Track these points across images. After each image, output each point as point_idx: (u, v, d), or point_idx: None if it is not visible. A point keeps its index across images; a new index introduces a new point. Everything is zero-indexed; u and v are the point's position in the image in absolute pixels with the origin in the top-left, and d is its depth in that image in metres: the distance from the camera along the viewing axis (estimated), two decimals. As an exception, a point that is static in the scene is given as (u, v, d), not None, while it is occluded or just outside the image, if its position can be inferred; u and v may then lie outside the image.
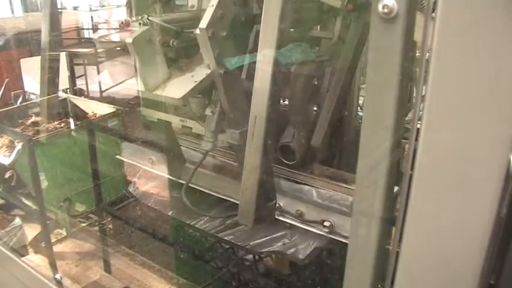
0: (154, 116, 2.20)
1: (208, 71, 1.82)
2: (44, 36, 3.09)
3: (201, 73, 1.86)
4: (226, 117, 1.93)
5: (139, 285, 2.71)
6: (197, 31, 1.73)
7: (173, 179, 2.33)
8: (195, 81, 1.84)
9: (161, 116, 2.16)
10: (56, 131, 3.15)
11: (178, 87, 1.86)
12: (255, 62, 1.75)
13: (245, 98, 1.89)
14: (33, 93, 3.50)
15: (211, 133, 1.95)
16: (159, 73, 1.93)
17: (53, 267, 2.69)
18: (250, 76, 1.83)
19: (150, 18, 1.87)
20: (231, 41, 1.82)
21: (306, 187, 1.97)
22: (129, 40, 1.83)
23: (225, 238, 2.22)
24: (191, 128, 2.05)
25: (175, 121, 2.11)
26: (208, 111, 1.95)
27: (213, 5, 1.72)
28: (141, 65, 1.87)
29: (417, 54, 0.83)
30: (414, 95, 0.97)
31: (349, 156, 2.29)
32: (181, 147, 2.40)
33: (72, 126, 3.12)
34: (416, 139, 0.79)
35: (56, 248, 3.04)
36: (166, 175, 2.40)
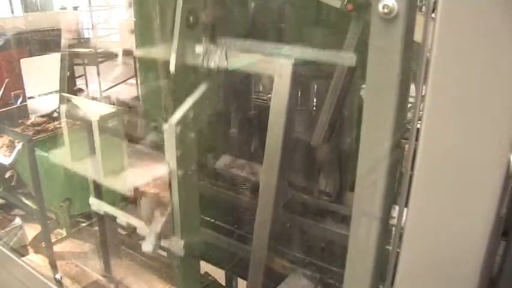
0: (101, 208, 2.12)
1: (167, 170, 1.75)
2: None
3: (159, 170, 1.79)
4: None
5: (139, 286, 2.71)
6: (165, 126, 1.69)
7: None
8: (151, 176, 1.79)
9: (108, 209, 2.08)
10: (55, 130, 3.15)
11: (132, 178, 1.80)
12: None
13: (198, 206, 1.85)
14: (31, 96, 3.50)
15: (154, 235, 1.83)
16: (118, 160, 1.86)
17: (53, 267, 2.69)
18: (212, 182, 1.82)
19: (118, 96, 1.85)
20: (197, 145, 1.78)
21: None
22: (94, 118, 1.75)
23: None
24: (135, 228, 1.94)
25: (121, 217, 2.01)
26: (156, 212, 1.84)
27: (187, 105, 1.70)
28: (101, 147, 1.79)
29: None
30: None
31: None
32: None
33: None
34: (416, 139, 0.79)
35: (56, 248, 3.04)
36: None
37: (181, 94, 1.76)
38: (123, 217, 1.99)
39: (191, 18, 1.69)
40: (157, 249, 1.86)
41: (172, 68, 1.73)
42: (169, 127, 1.67)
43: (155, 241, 1.82)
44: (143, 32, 1.84)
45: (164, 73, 1.89)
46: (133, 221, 1.92)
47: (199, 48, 1.70)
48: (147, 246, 1.83)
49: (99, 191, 2.15)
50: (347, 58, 1.55)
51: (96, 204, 2.17)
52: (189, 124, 1.71)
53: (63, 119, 1.92)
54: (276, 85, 1.59)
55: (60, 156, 2.08)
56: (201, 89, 1.75)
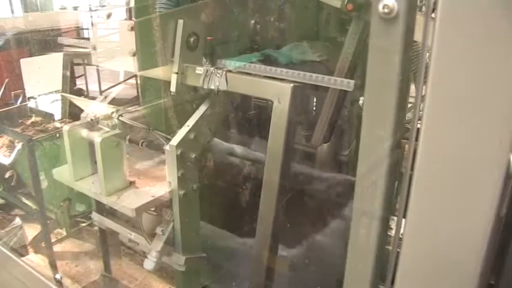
0: (104, 224, 2.17)
1: (168, 189, 1.78)
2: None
3: (160, 189, 1.83)
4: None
5: (139, 285, 2.71)
6: (166, 147, 1.72)
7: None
8: (152, 196, 1.80)
9: (111, 225, 2.13)
10: (55, 130, 3.15)
11: (134, 198, 1.82)
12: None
13: (199, 225, 1.88)
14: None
15: (156, 253, 1.86)
16: (120, 180, 1.88)
17: (53, 267, 2.69)
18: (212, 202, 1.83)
19: (120, 118, 1.84)
20: (198, 166, 1.81)
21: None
22: (97, 140, 1.78)
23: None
24: (137, 243, 1.98)
25: (124, 233, 2.05)
26: (158, 230, 1.88)
27: (188, 126, 1.73)
28: (104, 167, 1.82)
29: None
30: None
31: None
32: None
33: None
34: (416, 139, 0.79)
35: (56, 248, 3.04)
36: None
37: (182, 114, 1.80)
38: (125, 233, 2.03)
39: (191, 40, 1.71)
40: (158, 267, 1.90)
41: (173, 88, 1.75)
42: (170, 148, 1.69)
43: (156, 259, 1.85)
44: (145, 54, 1.85)
45: (166, 94, 1.91)
46: (136, 237, 1.96)
47: (199, 70, 1.72)
48: (148, 265, 1.86)
49: (101, 206, 2.19)
50: (345, 83, 1.56)
51: (98, 220, 2.21)
52: (190, 144, 1.74)
53: (66, 140, 1.94)
54: (275, 109, 1.60)
55: (63, 174, 2.11)
56: (202, 109, 1.77)
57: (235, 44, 1.91)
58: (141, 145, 1.86)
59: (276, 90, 1.58)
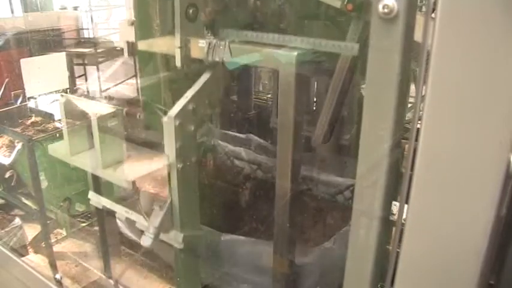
0: (100, 202, 2.09)
1: (166, 163, 1.72)
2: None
3: (158, 163, 1.77)
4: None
5: (139, 286, 2.71)
6: (164, 118, 1.67)
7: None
8: (149, 169, 1.76)
9: (107, 204, 2.06)
10: (55, 130, 3.15)
11: (130, 171, 1.78)
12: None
13: (198, 201, 1.81)
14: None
15: (153, 228, 1.79)
16: (116, 153, 1.85)
17: (53, 267, 2.69)
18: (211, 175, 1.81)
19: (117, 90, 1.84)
20: (196, 138, 1.76)
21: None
22: (94, 117, 1.76)
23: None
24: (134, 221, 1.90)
25: (120, 211, 1.98)
26: (156, 205, 1.81)
27: (187, 97, 1.68)
28: (100, 139, 1.79)
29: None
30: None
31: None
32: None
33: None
34: (416, 139, 0.79)
35: (56, 248, 3.04)
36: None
37: (185, 88, 1.74)
38: (122, 211, 1.96)
39: (191, 11, 1.67)
40: (155, 243, 1.81)
41: (178, 63, 1.71)
42: (169, 119, 1.64)
43: (154, 235, 1.78)
44: (143, 25, 1.83)
45: (164, 66, 1.88)
46: (133, 215, 1.89)
47: (202, 43, 1.68)
48: (145, 241, 1.80)
49: (98, 185, 2.13)
50: (349, 48, 1.53)
51: (95, 199, 2.14)
52: (189, 116, 1.69)
53: (62, 114, 1.91)
54: (281, 78, 1.57)
55: (59, 150, 2.06)
56: (202, 80, 1.72)
57: (235, 18, 1.87)
58: (139, 117, 1.83)
59: (281, 59, 1.55)
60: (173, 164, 1.70)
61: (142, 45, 1.91)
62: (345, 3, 1.91)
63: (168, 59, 1.85)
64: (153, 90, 1.96)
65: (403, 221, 0.87)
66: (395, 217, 0.92)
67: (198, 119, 1.73)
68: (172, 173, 1.72)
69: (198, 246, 1.99)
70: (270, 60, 1.61)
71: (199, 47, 1.70)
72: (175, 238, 1.82)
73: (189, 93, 1.69)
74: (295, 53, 1.53)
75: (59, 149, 2.08)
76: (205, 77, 1.73)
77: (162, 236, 1.83)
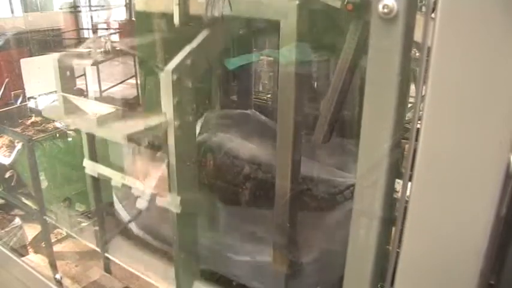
0: (95, 170, 2.00)
1: (162, 120, 1.64)
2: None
3: (154, 120, 1.68)
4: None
5: (139, 285, 2.70)
6: (161, 73, 1.60)
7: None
8: (145, 126, 1.66)
9: (103, 171, 1.97)
10: (55, 130, 3.15)
11: (126, 127, 1.69)
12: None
13: (196, 163, 1.72)
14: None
15: (149, 191, 1.72)
16: (112, 109, 1.77)
17: (53, 267, 2.69)
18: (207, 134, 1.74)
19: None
20: (195, 94, 1.68)
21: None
22: (88, 63, 1.73)
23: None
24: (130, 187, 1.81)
25: (116, 178, 1.89)
26: (151, 168, 1.72)
27: (185, 51, 1.61)
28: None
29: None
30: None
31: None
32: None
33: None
34: (416, 139, 0.79)
35: (56, 248, 3.04)
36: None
37: (183, 46, 1.67)
38: (118, 177, 1.87)
39: None
40: (151, 206, 1.73)
41: (176, 20, 1.65)
42: (166, 74, 1.57)
43: (150, 197, 1.71)
44: None
45: (162, 25, 1.83)
46: (129, 181, 1.80)
47: None
48: (141, 204, 1.73)
49: (94, 153, 2.06)
50: None
51: (90, 166, 2.05)
52: (187, 71, 1.61)
53: (56, 70, 1.86)
54: (282, 29, 1.53)
55: (53, 110, 1.99)
56: (201, 36, 1.66)
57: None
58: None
59: (282, 9, 1.51)
60: (170, 121, 1.61)
61: (140, 5, 1.87)
62: (345, 3, 1.91)
63: (166, 18, 1.77)
64: (150, 48, 1.90)
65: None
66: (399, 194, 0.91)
67: (196, 74, 1.64)
68: (170, 130, 1.62)
69: (196, 212, 1.87)
70: (271, 10, 1.55)
71: (198, 2, 1.63)
72: (172, 201, 1.70)
73: (188, 48, 1.62)
74: (297, 2, 1.48)
75: (53, 109, 1.99)
76: (204, 33, 1.66)
77: (159, 201, 1.72)
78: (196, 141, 1.76)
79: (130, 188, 1.84)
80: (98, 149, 2.06)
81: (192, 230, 1.87)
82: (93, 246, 2.47)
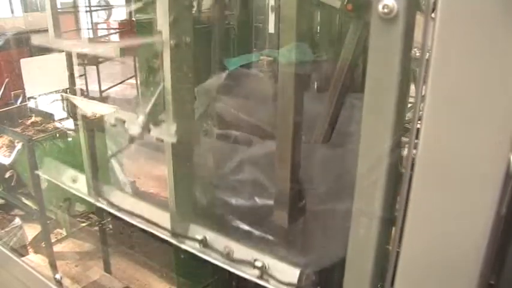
0: (86, 109, 1.87)
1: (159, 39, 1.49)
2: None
3: (149, 39, 1.54)
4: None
5: (139, 285, 2.71)
6: None
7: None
8: (139, 42, 1.57)
9: (94, 108, 1.85)
10: (55, 130, 3.15)
11: (119, 42, 1.62)
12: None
13: (193, 88, 1.61)
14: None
15: (142, 116, 1.56)
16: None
17: (53, 267, 2.69)
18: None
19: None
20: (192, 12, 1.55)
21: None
22: None
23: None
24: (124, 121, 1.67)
25: (108, 111, 1.74)
26: (146, 92, 1.58)
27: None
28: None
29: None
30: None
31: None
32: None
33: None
34: (416, 139, 0.79)
35: (56, 248, 3.04)
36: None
37: None
38: (110, 110, 1.76)
39: None
40: (145, 133, 1.60)
41: None
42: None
43: (143, 123, 1.58)
44: None
45: None
46: (122, 114, 1.69)
47: None
48: (134, 130, 1.61)
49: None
50: None
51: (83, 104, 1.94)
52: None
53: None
54: None
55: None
56: None
57: None
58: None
59: None
60: (166, 40, 1.48)
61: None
62: (345, 3, 1.91)
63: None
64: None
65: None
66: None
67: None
68: (165, 51, 1.49)
69: (192, 142, 1.75)
70: None
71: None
72: (167, 130, 1.58)
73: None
74: None
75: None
76: None
77: (153, 131, 1.61)
78: (193, 64, 1.58)
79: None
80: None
81: (188, 165, 1.74)
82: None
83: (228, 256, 1.52)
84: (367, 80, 0.87)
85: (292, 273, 1.39)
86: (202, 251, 1.60)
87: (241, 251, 1.51)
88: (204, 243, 1.60)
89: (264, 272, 1.44)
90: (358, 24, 1.98)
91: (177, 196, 1.69)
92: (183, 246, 1.66)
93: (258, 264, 1.44)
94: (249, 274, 1.46)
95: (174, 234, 1.68)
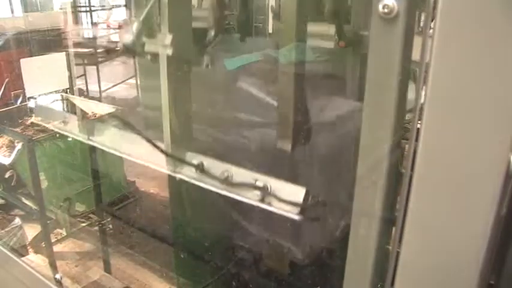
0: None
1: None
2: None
3: None
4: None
5: (139, 285, 2.71)
6: None
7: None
8: None
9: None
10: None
11: None
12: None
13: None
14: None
15: (136, 24, 1.46)
16: None
17: (53, 267, 2.69)
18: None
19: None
20: None
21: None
22: None
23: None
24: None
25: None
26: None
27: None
28: None
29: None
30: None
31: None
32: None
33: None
34: (416, 139, 0.79)
35: (56, 248, 3.04)
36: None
37: None
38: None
39: None
40: (137, 44, 1.51)
41: None
42: None
43: (136, 31, 1.49)
44: None
45: None
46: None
47: None
48: (126, 38, 1.52)
49: None
50: None
51: None
52: None
53: None
54: None
55: None
56: None
57: None
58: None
59: None
60: None
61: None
62: (337, 42, 1.90)
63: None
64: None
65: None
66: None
67: None
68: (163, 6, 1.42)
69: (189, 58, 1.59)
70: None
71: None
72: (161, 40, 1.46)
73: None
74: None
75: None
76: None
77: (148, 44, 1.51)
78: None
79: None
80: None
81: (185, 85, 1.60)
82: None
83: (227, 181, 1.39)
84: (367, 80, 0.87)
85: (297, 192, 1.28)
86: (199, 179, 1.47)
87: (241, 174, 1.38)
88: (200, 168, 1.47)
89: (266, 193, 1.31)
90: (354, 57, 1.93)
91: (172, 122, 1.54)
92: (179, 176, 1.52)
93: (260, 184, 1.31)
94: (250, 197, 1.33)
95: (169, 157, 1.54)
